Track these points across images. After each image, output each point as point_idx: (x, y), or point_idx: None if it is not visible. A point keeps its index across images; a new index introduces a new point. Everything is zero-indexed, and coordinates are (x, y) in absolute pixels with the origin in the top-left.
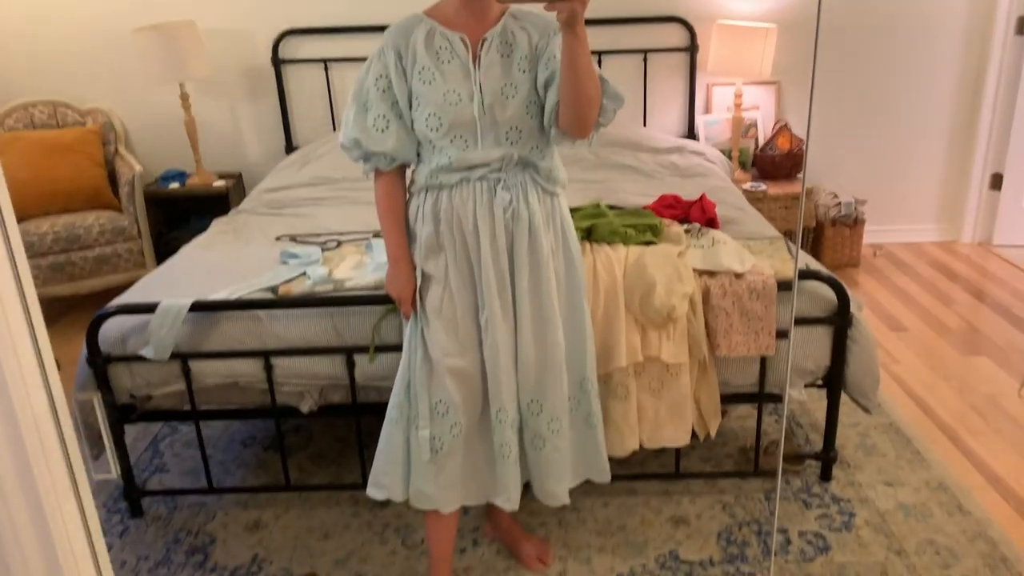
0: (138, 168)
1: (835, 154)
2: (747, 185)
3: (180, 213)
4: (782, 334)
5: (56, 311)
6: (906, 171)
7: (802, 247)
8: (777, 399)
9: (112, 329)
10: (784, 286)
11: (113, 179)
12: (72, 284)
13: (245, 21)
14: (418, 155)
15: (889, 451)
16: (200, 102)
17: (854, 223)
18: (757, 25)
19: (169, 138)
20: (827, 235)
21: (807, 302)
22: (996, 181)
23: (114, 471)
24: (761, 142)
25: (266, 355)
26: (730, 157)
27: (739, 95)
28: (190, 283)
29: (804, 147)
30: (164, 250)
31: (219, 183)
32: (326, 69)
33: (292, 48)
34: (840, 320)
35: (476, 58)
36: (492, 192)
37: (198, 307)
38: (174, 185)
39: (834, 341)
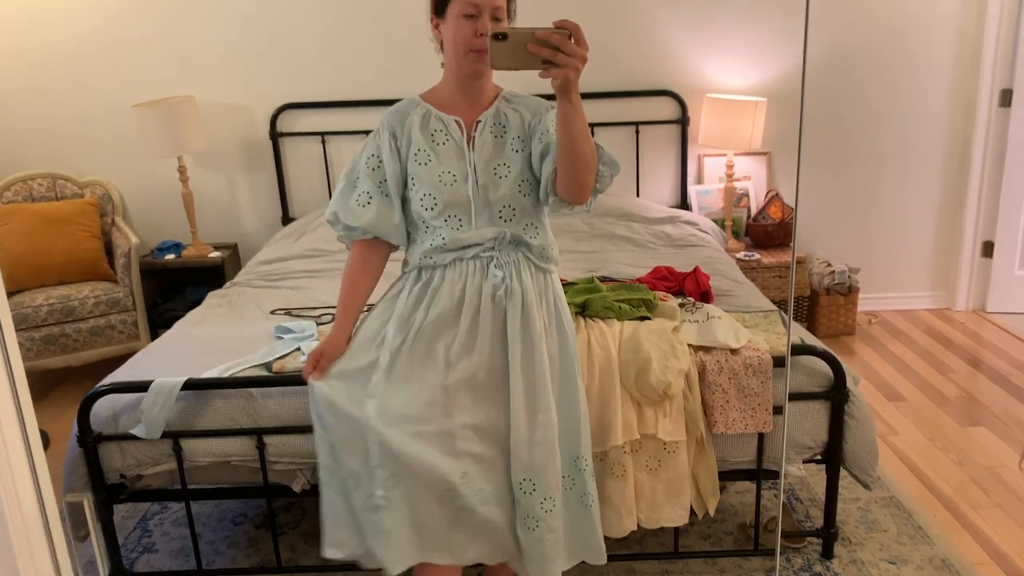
0: (134, 240)
1: (827, 223)
2: (741, 254)
3: (175, 284)
4: (779, 409)
5: (48, 383)
6: (898, 239)
7: (797, 316)
8: (776, 475)
9: (104, 407)
10: (780, 361)
11: (109, 250)
12: (65, 356)
13: (244, 95)
14: (410, 236)
15: (891, 526)
16: (198, 173)
17: (848, 291)
18: (746, 99)
19: (166, 209)
20: (822, 303)
21: (803, 377)
22: (987, 249)
23: (102, 572)
24: (753, 211)
25: (259, 433)
26: (723, 227)
27: (730, 166)
28: (183, 359)
29: (793, 216)
30: (158, 321)
31: (215, 254)
32: (323, 142)
33: (290, 121)
34: (836, 395)
35: (471, 139)
36: (484, 271)
37: (191, 385)
38: (170, 256)
39: (831, 416)
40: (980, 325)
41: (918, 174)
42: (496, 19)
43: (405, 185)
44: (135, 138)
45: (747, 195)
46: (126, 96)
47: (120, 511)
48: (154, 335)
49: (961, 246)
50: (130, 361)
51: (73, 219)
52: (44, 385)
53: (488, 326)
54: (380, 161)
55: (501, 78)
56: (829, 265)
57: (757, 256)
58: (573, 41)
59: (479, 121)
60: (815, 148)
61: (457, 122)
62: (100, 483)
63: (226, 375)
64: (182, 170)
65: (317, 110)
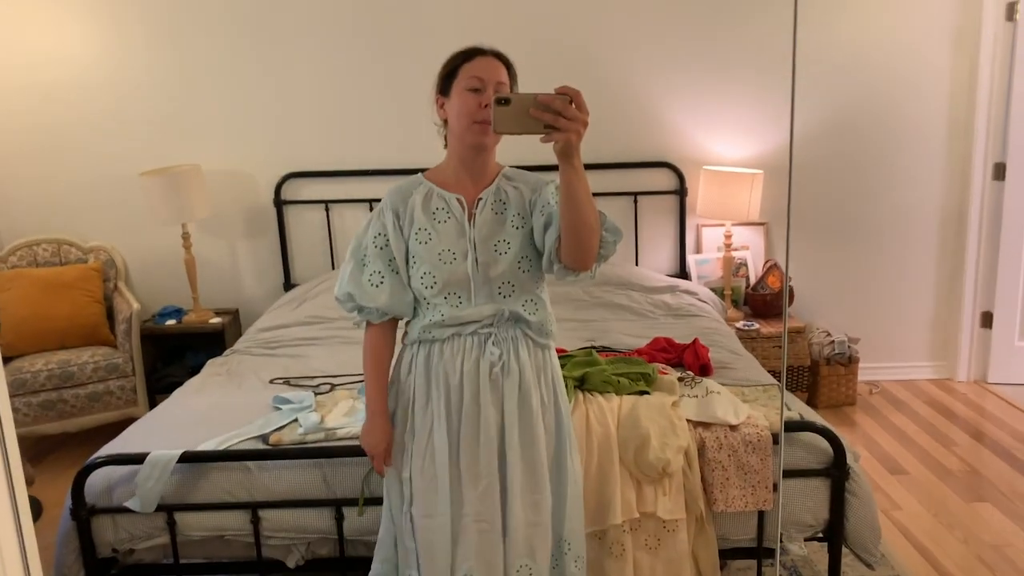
0: (136, 305)
1: (826, 293)
2: (740, 324)
3: (175, 349)
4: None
5: (43, 450)
6: (898, 309)
7: (798, 387)
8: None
9: (98, 480)
10: (776, 436)
11: (111, 315)
12: (62, 422)
13: (249, 164)
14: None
15: None
16: (201, 239)
17: (848, 361)
18: (743, 171)
19: (168, 275)
20: (823, 374)
21: (802, 453)
22: (987, 319)
23: None
24: (752, 281)
25: (254, 508)
26: (722, 296)
27: (729, 236)
28: (180, 430)
29: (784, 285)
30: (157, 386)
31: (215, 320)
32: (327, 210)
33: (294, 190)
34: (837, 472)
35: (471, 217)
36: (482, 347)
37: (187, 458)
38: (171, 322)
39: (832, 494)
40: (982, 396)
41: (916, 245)
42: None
43: (407, 262)
44: (140, 205)
45: (745, 264)
46: (132, 163)
47: None
48: (152, 401)
49: (960, 317)
50: (126, 432)
51: (76, 284)
52: (39, 451)
53: (489, 404)
54: (387, 240)
55: (504, 152)
56: (829, 335)
57: (756, 326)
58: (574, 106)
59: (480, 199)
60: (812, 219)
61: (459, 200)
62: (92, 557)
63: (222, 447)
64: (186, 236)
65: (320, 179)
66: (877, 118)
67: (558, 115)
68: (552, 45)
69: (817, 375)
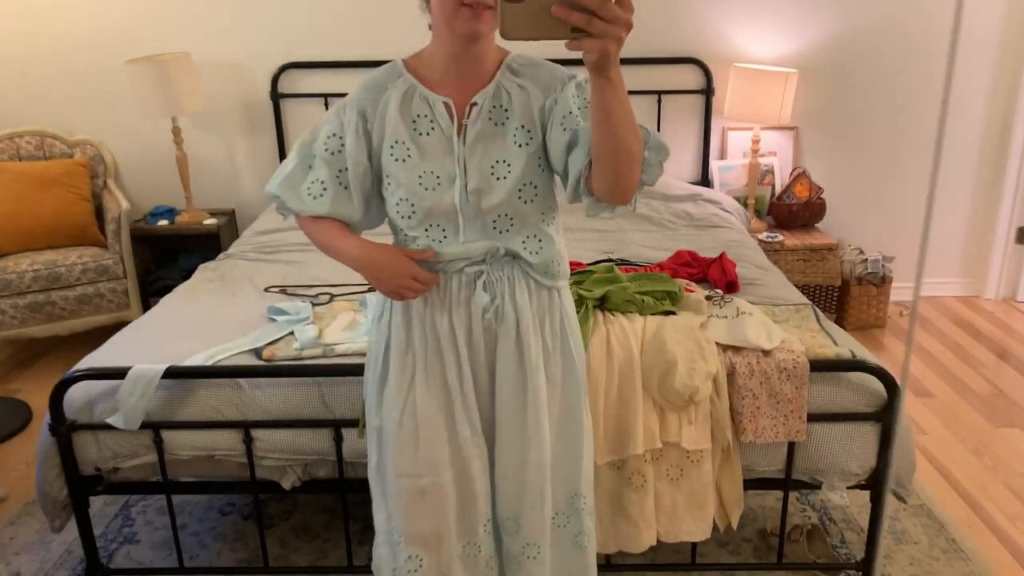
0: (125, 205)
1: (857, 205)
2: (763, 235)
3: (169, 251)
4: (814, 418)
5: (33, 353)
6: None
7: (826, 308)
8: (806, 486)
9: (78, 393)
10: (816, 365)
11: (100, 214)
12: (51, 325)
13: (243, 54)
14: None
15: (922, 539)
16: (194, 136)
17: (881, 281)
18: (777, 70)
19: (161, 173)
20: (853, 294)
21: (849, 394)
22: (1022, 235)
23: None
24: (778, 190)
25: (246, 427)
26: (745, 205)
27: (756, 140)
28: (168, 341)
29: (924, 239)
30: (150, 289)
31: (210, 221)
32: (326, 104)
33: (291, 82)
34: (889, 417)
35: (461, 128)
36: (472, 288)
37: (173, 373)
38: (163, 222)
39: (881, 440)
40: (1010, 314)
41: (954, 155)
42: None
43: (379, 181)
44: (128, 96)
45: (772, 172)
46: (119, 51)
47: (100, 498)
48: (145, 304)
49: (995, 231)
50: (108, 342)
51: (62, 180)
52: (28, 355)
53: (480, 352)
54: (342, 145)
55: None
56: (862, 253)
57: (780, 238)
58: (613, 2)
59: (475, 103)
60: (845, 125)
61: (446, 104)
62: (74, 475)
63: (212, 361)
64: (176, 131)
65: (321, 70)
66: (922, 18)
67: (591, 14)
68: None
69: (847, 296)
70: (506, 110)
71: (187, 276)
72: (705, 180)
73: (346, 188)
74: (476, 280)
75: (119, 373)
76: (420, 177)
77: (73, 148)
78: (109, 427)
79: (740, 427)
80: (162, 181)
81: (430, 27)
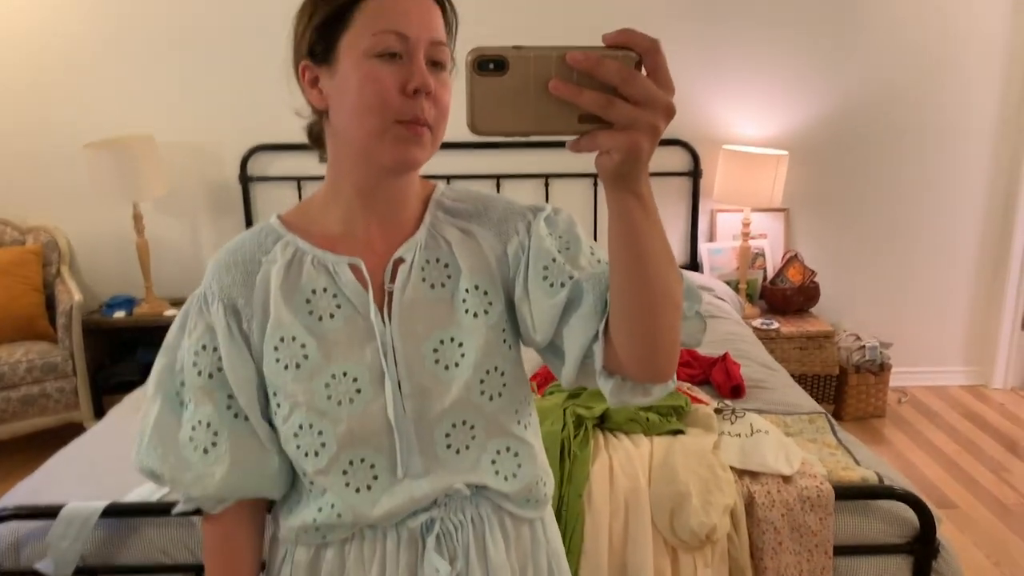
0: (77, 297)
1: (852, 290)
2: (757, 322)
3: (126, 344)
4: (840, 551)
5: None
6: (930, 309)
7: (824, 398)
8: None
9: (5, 533)
10: (842, 492)
11: (52, 304)
12: None
13: (211, 135)
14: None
15: None
16: (157, 220)
17: (880, 369)
18: (768, 152)
19: (120, 260)
20: (851, 383)
21: (877, 523)
22: None
23: None
24: (770, 273)
25: (199, 571)
26: (737, 289)
27: (747, 223)
28: (110, 469)
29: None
30: (103, 386)
31: (171, 312)
32: (299, 187)
33: (262, 164)
34: (923, 549)
35: (384, 300)
36: (417, 553)
37: (113, 511)
38: (120, 314)
39: (915, 575)
40: (1021, 406)
41: (955, 236)
42: (436, 63)
43: (265, 396)
44: (86, 181)
45: (763, 255)
46: (77, 134)
47: None
48: (97, 403)
49: (1000, 317)
50: (44, 467)
51: (11, 269)
52: None
53: None
54: (218, 360)
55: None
56: (858, 339)
57: (776, 325)
58: (645, 73)
59: (401, 259)
60: (836, 207)
61: (354, 267)
62: None
63: (159, 495)
64: (138, 217)
65: (292, 152)
66: (919, 94)
67: (612, 92)
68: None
69: (845, 385)
70: (447, 266)
71: (146, 371)
72: (694, 263)
73: (245, 420)
74: (424, 536)
75: (51, 512)
76: (327, 386)
77: (26, 235)
78: (38, 574)
79: (760, 566)
80: (121, 269)
81: (323, 158)
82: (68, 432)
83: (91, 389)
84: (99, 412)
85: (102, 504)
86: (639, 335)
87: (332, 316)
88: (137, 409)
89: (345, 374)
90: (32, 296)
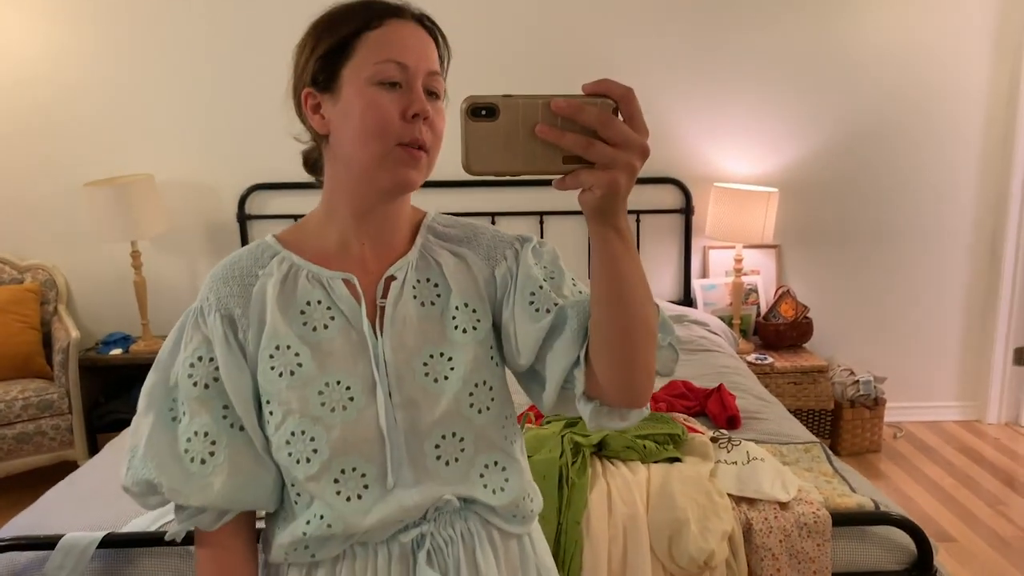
0: (74, 334)
1: (845, 324)
2: (751, 357)
3: (123, 381)
4: None
5: None
6: (923, 344)
7: (820, 433)
8: None
9: (2, 566)
10: (839, 519)
11: (49, 342)
12: None
13: (209, 174)
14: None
15: None
16: (154, 258)
17: (875, 403)
18: (759, 189)
19: (117, 298)
20: (846, 418)
21: (874, 549)
22: (1020, 356)
23: None
24: (763, 309)
25: None
26: (731, 325)
27: (739, 259)
28: (107, 502)
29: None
30: (98, 424)
31: None
32: None
33: (260, 203)
34: (920, 575)
35: (377, 315)
36: (409, 566)
37: (111, 542)
38: (116, 351)
39: None
40: (1016, 441)
41: (944, 272)
42: (432, 93)
43: (259, 406)
44: (85, 219)
45: (756, 291)
46: (76, 173)
47: None
48: (92, 441)
49: (992, 352)
50: (41, 500)
51: (8, 308)
52: None
53: None
54: (215, 371)
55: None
56: (852, 373)
57: (770, 360)
58: (621, 119)
59: (392, 277)
60: (830, 243)
61: (347, 282)
62: None
63: (156, 526)
64: (135, 256)
65: (290, 191)
66: (905, 132)
67: (592, 136)
68: (541, 44)
69: (840, 420)
70: (436, 285)
71: None
72: (687, 299)
73: (240, 430)
74: (416, 551)
75: (48, 543)
76: (321, 394)
77: (24, 273)
78: None
79: None
80: (118, 306)
81: (319, 182)
82: (62, 470)
83: (86, 426)
84: (93, 450)
85: (100, 534)
86: (617, 362)
87: (326, 327)
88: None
89: (339, 383)
90: (29, 334)
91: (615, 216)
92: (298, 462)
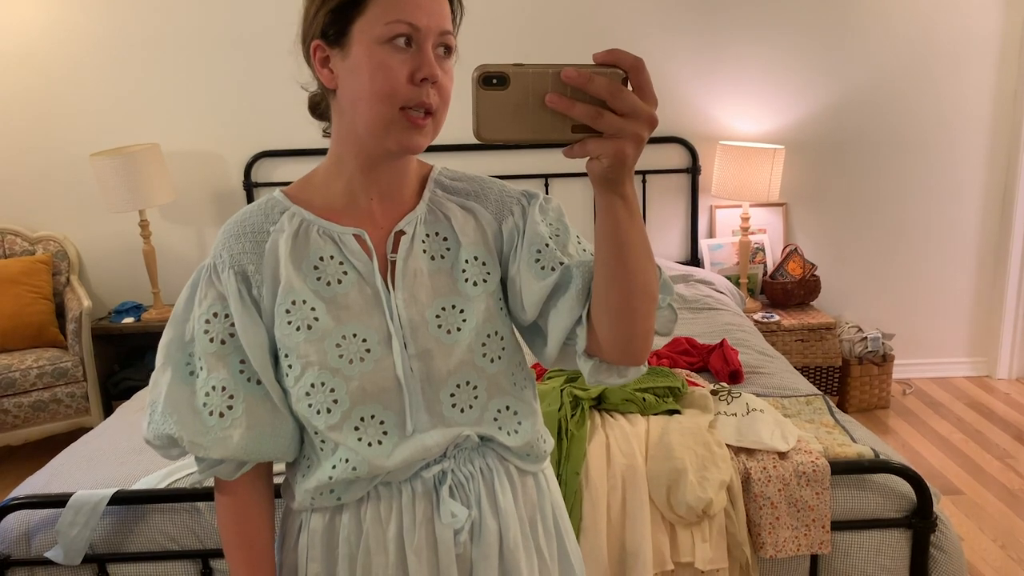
0: (86, 303)
1: (854, 282)
2: (759, 316)
3: (135, 349)
4: (838, 526)
5: None
6: (933, 300)
7: (828, 390)
8: None
9: (14, 524)
10: (837, 467)
11: (62, 312)
12: (2, 435)
13: (215, 143)
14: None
15: None
16: (163, 228)
17: (883, 360)
18: (764, 146)
19: (128, 267)
20: (853, 374)
21: (874, 498)
22: None
23: None
24: (770, 268)
25: (205, 557)
26: (738, 284)
27: (746, 218)
28: (119, 460)
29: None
30: (113, 391)
31: None
32: None
33: (265, 171)
34: (921, 523)
35: (388, 268)
36: (432, 501)
37: (121, 499)
38: (128, 320)
39: (914, 549)
40: None
41: (955, 228)
42: (444, 47)
43: (276, 361)
44: (93, 190)
45: (763, 250)
46: (84, 144)
47: None
48: (107, 408)
49: (1003, 308)
50: (53, 461)
51: (21, 279)
52: None
53: None
54: (230, 327)
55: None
56: (860, 331)
57: (777, 318)
58: (631, 88)
59: (402, 232)
60: (834, 200)
61: (358, 237)
62: None
63: (167, 483)
64: (144, 225)
65: (296, 158)
66: (915, 87)
67: (601, 105)
68: (546, 3)
69: (848, 376)
70: (446, 239)
71: None
72: (695, 259)
73: (257, 384)
74: (438, 487)
75: (59, 501)
76: (338, 346)
77: (35, 245)
78: (48, 562)
79: (759, 541)
80: (129, 276)
81: (326, 133)
82: (78, 437)
83: (101, 394)
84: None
85: (110, 491)
86: (618, 323)
87: (340, 282)
88: (143, 407)
89: (355, 335)
90: (42, 304)
91: (621, 184)
92: (319, 412)
